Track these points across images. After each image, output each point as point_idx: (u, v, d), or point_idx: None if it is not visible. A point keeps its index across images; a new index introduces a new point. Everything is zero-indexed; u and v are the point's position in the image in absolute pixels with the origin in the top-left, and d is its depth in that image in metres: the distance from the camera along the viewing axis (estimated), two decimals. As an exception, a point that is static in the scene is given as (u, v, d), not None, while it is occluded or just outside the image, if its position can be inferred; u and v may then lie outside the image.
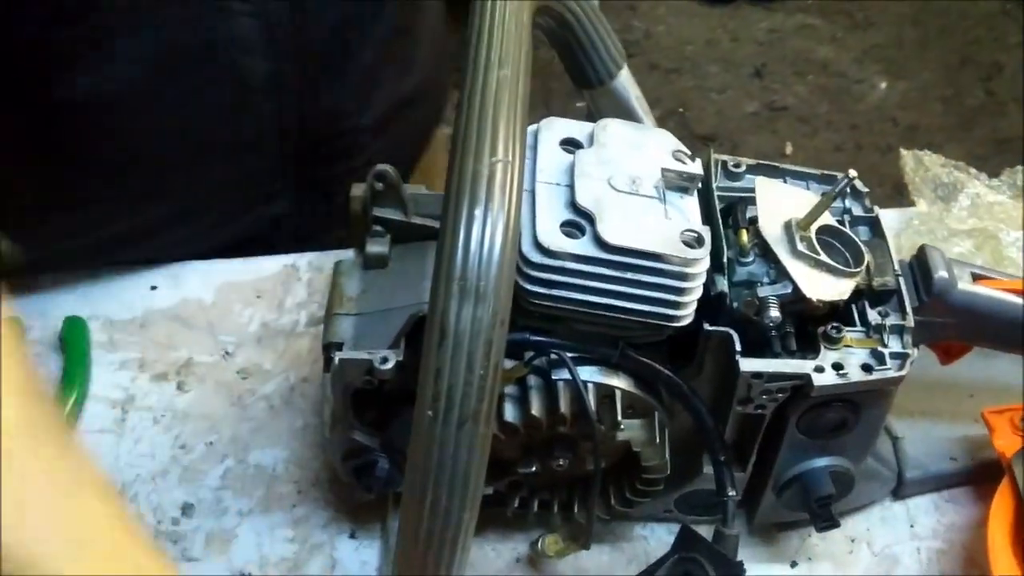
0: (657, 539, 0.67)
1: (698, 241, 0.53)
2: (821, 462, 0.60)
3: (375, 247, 0.63)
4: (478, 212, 0.41)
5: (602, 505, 0.63)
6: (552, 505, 0.63)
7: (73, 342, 0.73)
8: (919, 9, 2.62)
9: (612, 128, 0.57)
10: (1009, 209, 0.80)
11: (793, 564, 0.66)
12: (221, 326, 0.77)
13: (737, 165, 0.63)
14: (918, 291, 0.59)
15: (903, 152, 0.86)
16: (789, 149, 2.31)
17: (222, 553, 0.66)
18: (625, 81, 0.62)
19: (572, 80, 0.63)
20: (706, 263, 0.53)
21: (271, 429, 0.72)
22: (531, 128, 0.57)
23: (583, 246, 0.52)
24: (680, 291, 0.53)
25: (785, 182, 0.63)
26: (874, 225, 0.61)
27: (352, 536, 0.67)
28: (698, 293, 0.54)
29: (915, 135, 2.45)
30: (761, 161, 0.64)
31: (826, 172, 0.64)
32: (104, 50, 0.67)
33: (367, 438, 0.59)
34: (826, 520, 0.60)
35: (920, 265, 0.60)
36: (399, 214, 0.62)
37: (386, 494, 0.65)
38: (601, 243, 0.51)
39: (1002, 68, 2.58)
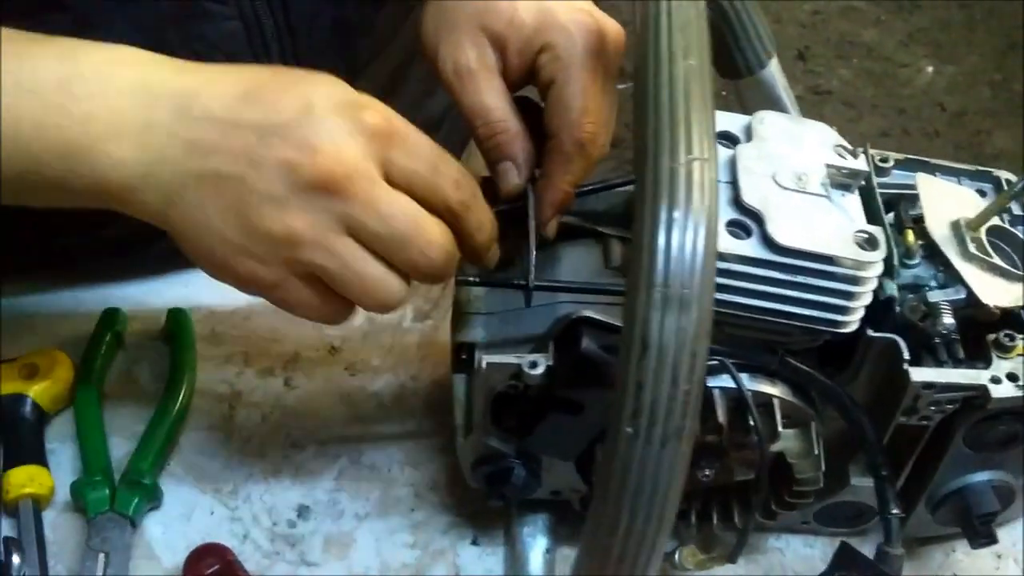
0: (793, 552, 0.64)
1: (872, 243, 0.50)
2: (983, 476, 0.57)
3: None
4: (678, 215, 0.38)
5: (740, 516, 0.60)
6: (689, 516, 0.61)
7: (179, 335, 0.71)
8: (965, -8, 2.56)
9: (770, 121, 0.54)
10: None
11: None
12: (326, 320, 0.75)
13: (884, 160, 0.59)
14: (1089, 295, 0.56)
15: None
16: (834, 134, 2.26)
17: (341, 558, 0.64)
18: (774, 70, 0.59)
19: (717, 70, 0.60)
20: (880, 267, 0.50)
21: (383, 428, 0.69)
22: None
23: (751, 247, 0.49)
24: (851, 296, 0.50)
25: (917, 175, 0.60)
26: (1038, 224, 0.58)
27: (474, 543, 0.64)
28: (868, 298, 0.51)
29: (963, 121, 2.39)
30: (910, 156, 0.60)
31: (980, 168, 0.61)
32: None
33: (503, 444, 0.57)
34: (987, 538, 0.57)
35: (1092, 268, 0.56)
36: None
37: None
38: (771, 244, 0.48)
39: (1050, 50, 2.51)
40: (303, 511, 0.65)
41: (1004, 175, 0.60)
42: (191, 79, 0.50)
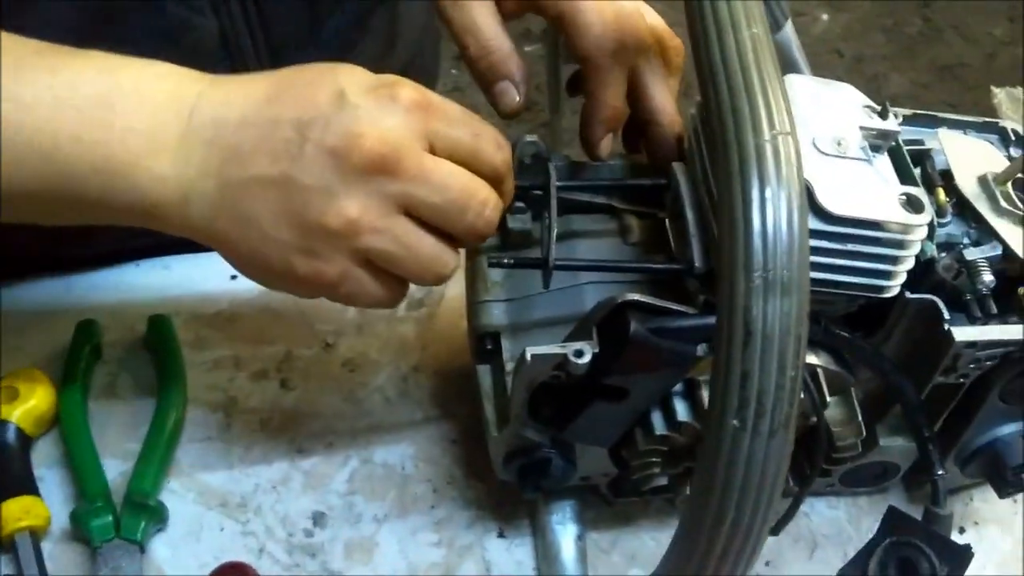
0: (818, 515, 0.64)
1: (916, 205, 0.49)
2: (1013, 428, 0.57)
3: (517, 223, 0.57)
4: (770, 193, 0.36)
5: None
6: None
7: (163, 343, 0.67)
8: (853, -61, 2.62)
9: (798, 84, 0.52)
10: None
11: (961, 531, 0.64)
12: (315, 315, 0.71)
13: (895, 117, 0.59)
14: (1106, 243, 0.56)
15: (995, 90, 0.83)
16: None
17: (365, 564, 0.61)
18: (789, 32, 0.57)
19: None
20: (925, 229, 0.49)
21: (391, 425, 0.67)
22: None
23: (799, 218, 0.47)
24: (897, 260, 0.49)
25: (938, 131, 0.59)
26: (1049, 175, 0.58)
27: (501, 535, 0.62)
28: (912, 262, 0.50)
29: (860, 66, 2.45)
30: (917, 111, 0.60)
31: (986, 120, 0.61)
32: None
33: (539, 435, 0.55)
34: (1018, 487, 0.58)
35: (1106, 215, 0.57)
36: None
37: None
38: (821, 214, 0.47)
39: (937, -5, 2.59)
40: (319, 518, 0.62)
41: (1010, 125, 0.60)
42: (222, 89, 0.48)
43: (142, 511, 0.59)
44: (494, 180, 0.50)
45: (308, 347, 0.70)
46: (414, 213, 0.48)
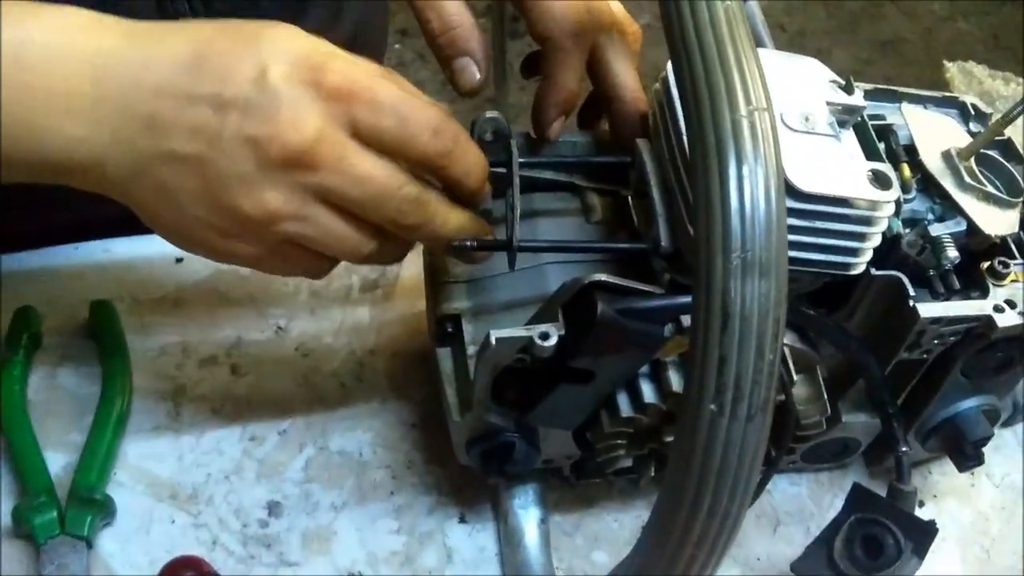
0: (780, 492, 0.64)
1: (883, 181, 0.48)
2: (973, 402, 0.57)
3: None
4: (747, 171, 0.35)
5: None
6: (650, 467, 0.59)
7: (106, 330, 0.64)
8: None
9: (764, 58, 0.51)
10: (1067, 121, 0.78)
11: (921, 504, 0.64)
12: (266, 298, 0.69)
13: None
14: (1064, 216, 0.57)
15: (947, 65, 0.84)
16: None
17: (323, 553, 0.59)
18: (754, 6, 0.56)
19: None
20: (892, 206, 0.48)
21: (347, 410, 0.65)
22: (669, 65, 0.51)
23: (767, 195, 0.47)
24: (864, 237, 0.49)
25: (900, 106, 0.59)
26: (1007, 148, 0.58)
27: (462, 521, 0.61)
28: (879, 238, 0.49)
29: (803, 41, 2.47)
30: (878, 86, 0.59)
31: (945, 95, 0.61)
32: None
33: (502, 419, 0.53)
34: (977, 461, 0.58)
35: (1063, 189, 0.57)
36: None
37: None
38: (791, 190, 0.46)
39: (878, -31, 2.62)
40: (274, 508, 0.61)
41: (969, 99, 0.60)
42: (140, 46, 0.45)
43: (88, 505, 0.57)
44: (432, 170, 0.48)
45: (259, 331, 0.67)
46: (332, 203, 0.47)
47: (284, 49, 0.45)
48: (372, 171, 0.47)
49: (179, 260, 0.70)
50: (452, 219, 0.50)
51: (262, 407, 0.64)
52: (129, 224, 0.50)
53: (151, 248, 0.70)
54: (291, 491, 0.61)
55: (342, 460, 0.63)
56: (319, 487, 0.61)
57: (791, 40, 2.44)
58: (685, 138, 0.48)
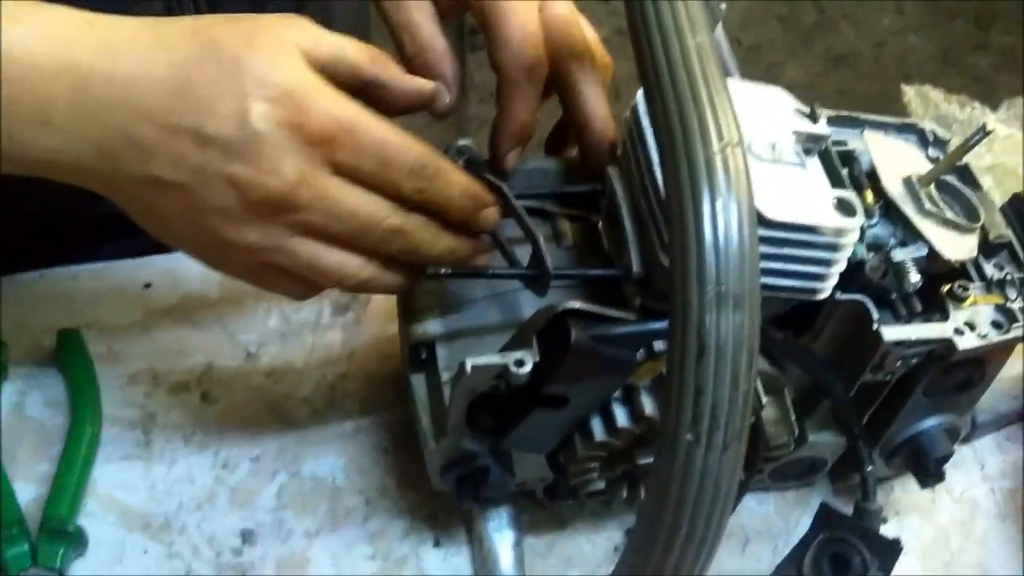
0: (748, 511, 0.65)
1: (848, 208, 0.49)
2: (935, 421, 0.59)
3: None
4: (720, 206, 0.36)
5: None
6: (621, 490, 0.59)
7: (73, 358, 0.64)
8: (746, -74, 2.67)
9: (732, 89, 0.52)
10: (1020, 142, 0.81)
11: (884, 520, 0.65)
12: (236, 324, 0.69)
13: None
14: (1019, 239, 0.58)
15: (905, 88, 0.85)
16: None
17: (298, 581, 0.59)
18: (720, 35, 0.57)
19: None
20: (858, 232, 0.50)
21: (319, 435, 0.65)
22: (639, 94, 0.52)
23: (736, 223, 0.48)
24: (830, 263, 0.50)
25: (862, 132, 0.61)
26: (965, 174, 0.60)
27: (437, 545, 0.61)
28: (844, 264, 0.51)
29: (758, 54, 2.52)
30: (840, 112, 0.61)
31: (904, 121, 0.62)
32: None
33: (477, 445, 0.54)
34: (939, 478, 0.59)
35: (1018, 213, 0.59)
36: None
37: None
38: (760, 219, 0.47)
39: (830, -16, 2.68)
40: (247, 536, 0.60)
41: (928, 126, 0.62)
42: (120, 61, 0.45)
43: (60, 537, 0.56)
44: (411, 204, 0.49)
45: (230, 358, 0.67)
46: (314, 236, 0.48)
47: (267, 82, 0.45)
48: (354, 206, 0.48)
49: (147, 286, 0.70)
50: (439, 244, 0.51)
51: (234, 434, 0.64)
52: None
53: (119, 275, 0.70)
54: (264, 518, 0.61)
55: (315, 486, 0.63)
56: (292, 514, 0.61)
57: (746, 54, 2.48)
58: (656, 167, 0.49)
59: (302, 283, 0.50)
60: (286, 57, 0.46)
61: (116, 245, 0.70)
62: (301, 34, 0.48)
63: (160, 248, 0.70)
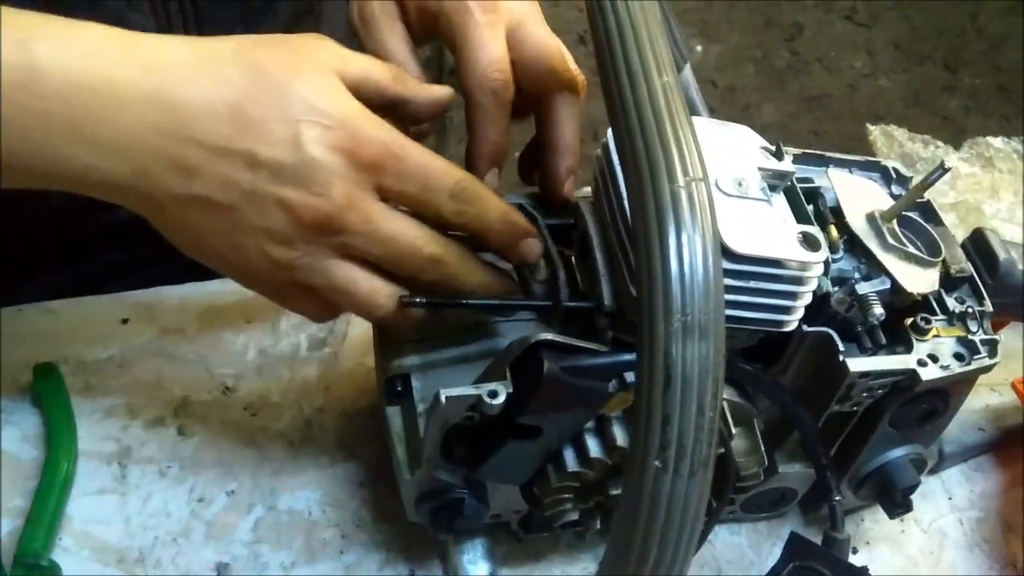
0: (721, 542, 0.66)
1: (813, 243, 0.51)
2: (901, 452, 0.60)
3: None
4: (685, 238, 0.37)
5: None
6: (595, 521, 0.60)
7: (50, 392, 0.64)
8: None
9: (699, 127, 0.53)
10: (981, 180, 0.83)
11: (854, 551, 0.66)
12: (213, 358, 0.69)
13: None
14: (979, 274, 0.60)
15: (871, 128, 0.88)
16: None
17: (273, 615, 0.59)
18: (688, 74, 0.59)
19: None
20: (822, 266, 0.51)
21: (295, 469, 0.65)
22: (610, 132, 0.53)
23: (704, 257, 0.49)
24: (795, 296, 0.51)
25: (827, 169, 0.62)
26: (927, 210, 0.62)
27: (412, 577, 0.62)
28: (809, 297, 0.52)
29: (733, 96, 2.56)
30: (806, 151, 0.63)
31: (868, 159, 0.64)
32: None
33: (452, 476, 0.55)
34: (906, 508, 0.61)
35: (979, 248, 0.61)
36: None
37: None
38: (727, 253, 0.49)
39: (802, 28, 2.73)
40: (223, 569, 0.60)
41: (891, 164, 0.63)
42: (163, 80, 0.46)
43: (34, 571, 0.56)
44: (454, 228, 0.51)
45: (207, 391, 0.68)
46: (354, 258, 0.49)
47: (315, 108, 0.47)
48: (396, 232, 0.50)
49: (124, 321, 0.70)
50: (472, 278, 0.53)
51: (210, 468, 0.64)
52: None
53: (95, 309, 0.70)
54: (240, 552, 0.61)
55: (291, 520, 0.63)
56: (268, 547, 0.62)
57: (722, 95, 2.52)
58: (626, 202, 0.50)
59: (325, 305, 0.52)
60: (327, 82, 0.48)
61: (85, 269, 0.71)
62: (332, 57, 0.50)
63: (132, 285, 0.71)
